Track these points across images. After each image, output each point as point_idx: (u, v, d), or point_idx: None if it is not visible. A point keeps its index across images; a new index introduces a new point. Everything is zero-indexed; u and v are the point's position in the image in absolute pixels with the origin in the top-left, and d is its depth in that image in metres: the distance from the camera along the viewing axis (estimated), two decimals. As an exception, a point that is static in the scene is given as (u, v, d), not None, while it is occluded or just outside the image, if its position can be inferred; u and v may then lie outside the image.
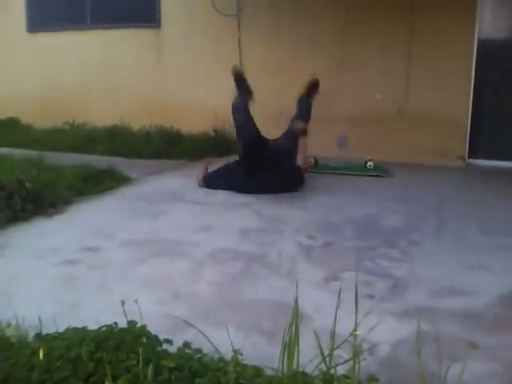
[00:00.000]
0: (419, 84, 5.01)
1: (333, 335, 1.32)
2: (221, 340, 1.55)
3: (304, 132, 3.96)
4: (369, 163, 4.44)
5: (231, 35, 5.65)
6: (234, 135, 4.78)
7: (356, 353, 1.27)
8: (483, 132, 5.04)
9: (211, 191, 3.84)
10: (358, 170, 4.50)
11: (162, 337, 1.55)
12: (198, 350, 1.48)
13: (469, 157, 5.05)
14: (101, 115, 6.20)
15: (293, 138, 4.00)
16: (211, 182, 3.93)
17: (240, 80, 3.97)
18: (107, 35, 6.43)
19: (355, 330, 1.28)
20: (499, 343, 1.75)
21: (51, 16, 6.72)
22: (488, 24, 4.93)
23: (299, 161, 4.01)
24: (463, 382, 1.41)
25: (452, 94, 4.91)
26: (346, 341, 1.36)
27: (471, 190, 4.06)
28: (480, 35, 4.90)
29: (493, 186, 4.23)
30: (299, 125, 3.95)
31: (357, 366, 1.33)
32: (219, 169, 4.05)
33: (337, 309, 1.40)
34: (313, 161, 4.58)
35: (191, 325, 1.57)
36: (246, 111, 3.85)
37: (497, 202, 3.69)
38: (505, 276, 2.33)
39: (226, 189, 3.82)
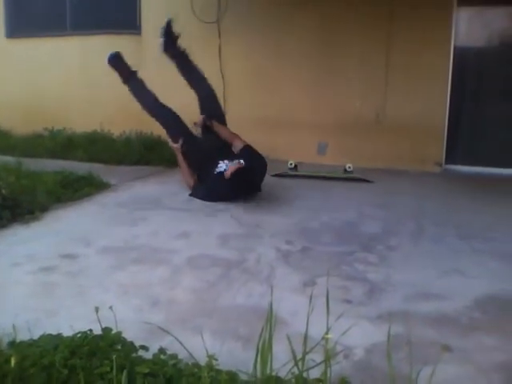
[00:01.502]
0: (397, 91, 5.09)
1: (305, 339, 1.33)
2: (197, 346, 1.55)
3: None
4: (348, 165, 4.47)
5: (212, 42, 5.67)
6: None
7: (328, 356, 1.28)
8: (460, 138, 5.13)
9: (189, 197, 3.84)
10: (338, 174, 4.53)
11: (138, 343, 1.55)
12: (174, 356, 1.48)
13: (446, 163, 5.13)
14: (81, 121, 6.16)
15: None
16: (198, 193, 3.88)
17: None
18: (87, 41, 6.40)
19: (327, 333, 1.29)
20: (473, 346, 1.78)
21: (31, 22, 6.67)
22: (464, 33, 5.04)
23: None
24: (435, 384, 1.43)
25: (429, 101, 5.00)
26: (318, 344, 1.37)
27: (448, 196, 4.13)
28: (456, 43, 4.99)
29: (469, 191, 4.31)
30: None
31: (330, 369, 1.34)
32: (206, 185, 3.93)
33: (309, 313, 1.42)
34: (293, 163, 4.61)
35: (167, 331, 1.57)
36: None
37: (473, 207, 3.75)
38: (480, 280, 2.37)
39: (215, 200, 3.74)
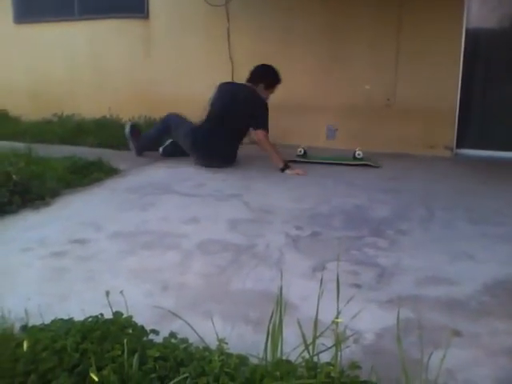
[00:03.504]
0: (408, 75, 5.02)
1: (315, 323, 1.33)
2: (207, 330, 1.56)
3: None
4: (358, 152, 4.45)
5: (220, 26, 5.62)
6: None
7: (338, 341, 1.28)
8: (471, 122, 5.07)
9: (201, 182, 3.84)
10: (347, 159, 4.51)
11: (149, 328, 1.55)
12: (184, 340, 1.49)
13: (457, 147, 5.08)
14: (89, 107, 6.16)
15: None
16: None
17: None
18: (95, 26, 6.37)
19: (337, 318, 1.29)
20: (483, 331, 1.78)
21: (38, 7, 6.64)
22: (476, 14, 4.95)
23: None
24: (446, 368, 1.43)
25: (440, 84, 4.93)
26: (328, 329, 1.37)
27: (459, 180, 4.10)
28: (468, 25, 4.91)
29: (480, 175, 4.27)
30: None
31: (340, 353, 1.35)
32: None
33: (319, 297, 1.41)
34: (302, 150, 4.59)
35: (177, 315, 1.58)
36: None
37: (483, 191, 3.72)
38: (490, 264, 2.36)
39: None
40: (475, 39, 4.95)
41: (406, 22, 4.95)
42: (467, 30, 4.91)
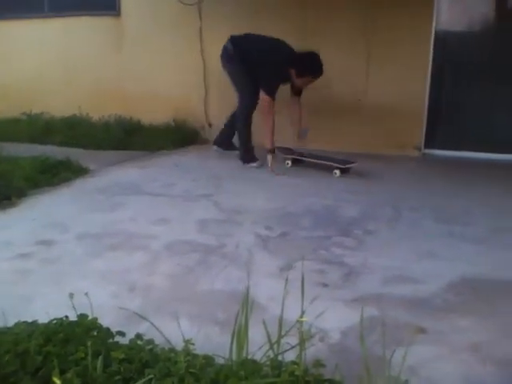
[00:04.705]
0: (378, 76, 5.09)
1: (280, 323, 1.35)
2: (175, 331, 1.56)
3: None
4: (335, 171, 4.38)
5: (192, 25, 5.60)
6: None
7: (302, 339, 1.30)
8: (439, 123, 5.17)
9: (171, 182, 3.82)
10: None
11: (115, 329, 1.54)
12: (150, 342, 1.48)
13: (425, 147, 5.17)
14: (59, 105, 6.06)
15: None
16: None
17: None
18: (66, 23, 6.27)
19: (301, 316, 1.31)
20: (447, 328, 1.82)
21: (7, 3, 6.51)
22: (445, 17, 5.04)
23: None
24: (409, 365, 1.46)
25: (409, 85, 5.01)
26: (293, 328, 1.39)
27: (426, 180, 4.18)
28: (437, 28, 5.00)
29: (447, 175, 4.36)
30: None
31: (306, 352, 1.36)
32: None
33: (284, 297, 1.43)
34: (289, 163, 4.59)
35: (143, 317, 1.57)
36: None
37: (451, 191, 3.80)
38: (455, 263, 2.41)
39: None
40: (444, 42, 5.04)
41: (377, 24, 5.01)
42: (436, 33, 5.00)
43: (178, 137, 5.35)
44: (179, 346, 1.47)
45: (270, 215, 3.09)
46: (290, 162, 4.53)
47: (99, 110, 5.83)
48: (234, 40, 4.43)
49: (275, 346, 1.36)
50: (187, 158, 4.83)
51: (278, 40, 4.40)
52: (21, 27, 6.46)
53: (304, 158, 4.53)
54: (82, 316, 1.51)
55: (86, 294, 1.54)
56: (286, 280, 1.49)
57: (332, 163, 4.25)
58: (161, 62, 5.91)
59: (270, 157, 4.24)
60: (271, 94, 4.22)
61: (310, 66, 4.27)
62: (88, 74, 6.22)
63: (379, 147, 5.06)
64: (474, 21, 5.05)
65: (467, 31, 5.07)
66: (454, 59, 5.10)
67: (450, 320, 1.87)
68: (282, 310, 1.41)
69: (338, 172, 4.18)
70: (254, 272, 2.22)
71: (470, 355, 1.65)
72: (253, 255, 2.45)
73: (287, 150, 4.62)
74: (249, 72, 4.32)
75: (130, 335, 1.54)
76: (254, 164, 4.41)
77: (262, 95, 4.24)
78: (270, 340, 1.36)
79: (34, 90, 6.37)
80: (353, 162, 4.28)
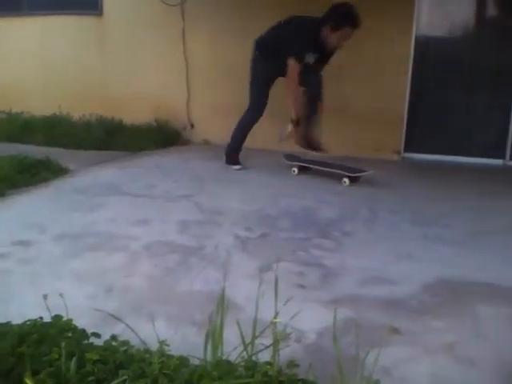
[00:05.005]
0: (358, 80, 5.12)
1: (255, 324, 1.36)
2: (151, 332, 1.55)
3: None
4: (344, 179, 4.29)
5: (175, 25, 5.59)
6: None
7: (276, 340, 1.31)
8: (419, 127, 5.24)
9: (151, 182, 3.81)
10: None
11: (91, 331, 1.54)
12: (125, 343, 1.48)
13: (404, 151, 5.23)
14: (39, 104, 5.99)
15: None
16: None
17: None
18: (46, 22, 6.21)
19: (275, 317, 1.32)
20: (421, 329, 1.84)
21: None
22: (425, 22, 5.11)
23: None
24: (383, 366, 1.49)
25: (389, 89, 5.07)
26: (267, 328, 1.40)
27: (405, 183, 4.22)
28: (417, 32, 5.07)
29: (426, 179, 4.42)
30: None
31: (281, 352, 1.37)
32: None
33: (259, 298, 1.44)
34: (296, 170, 4.51)
35: (118, 319, 1.57)
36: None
37: (429, 194, 3.85)
38: (431, 265, 2.44)
39: None
40: (424, 46, 5.11)
41: (358, 29, 5.05)
42: (416, 37, 5.07)
43: (159, 137, 5.34)
44: (155, 347, 1.47)
45: (250, 216, 3.10)
46: (296, 170, 4.35)
47: (80, 109, 5.79)
48: (257, 44, 4.31)
49: (249, 347, 1.37)
50: (169, 158, 4.82)
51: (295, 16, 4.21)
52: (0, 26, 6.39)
53: (311, 166, 4.36)
54: (57, 317, 1.51)
55: (61, 295, 1.53)
56: (261, 281, 1.50)
57: (341, 171, 4.09)
58: (143, 62, 5.89)
59: (290, 126, 4.12)
60: (300, 60, 3.97)
61: (348, 14, 3.91)
62: (69, 73, 6.17)
63: (359, 151, 5.09)
64: (454, 25, 5.13)
65: (447, 36, 5.15)
66: (434, 63, 5.17)
67: (425, 321, 1.90)
68: (257, 310, 1.42)
69: (347, 181, 4.01)
70: (233, 273, 2.23)
71: (443, 356, 1.67)
72: (231, 256, 2.46)
73: (294, 157, 4.49)
74: (271, 74, 4.26)
75: (106, 336, 1.53)
76: (237, 167, 4.41)
77: (290, 62, 3.98)
78: (243, 341, 1.37)
79: (13, 89, 6.30)
80: (363, 171, 4.09)
